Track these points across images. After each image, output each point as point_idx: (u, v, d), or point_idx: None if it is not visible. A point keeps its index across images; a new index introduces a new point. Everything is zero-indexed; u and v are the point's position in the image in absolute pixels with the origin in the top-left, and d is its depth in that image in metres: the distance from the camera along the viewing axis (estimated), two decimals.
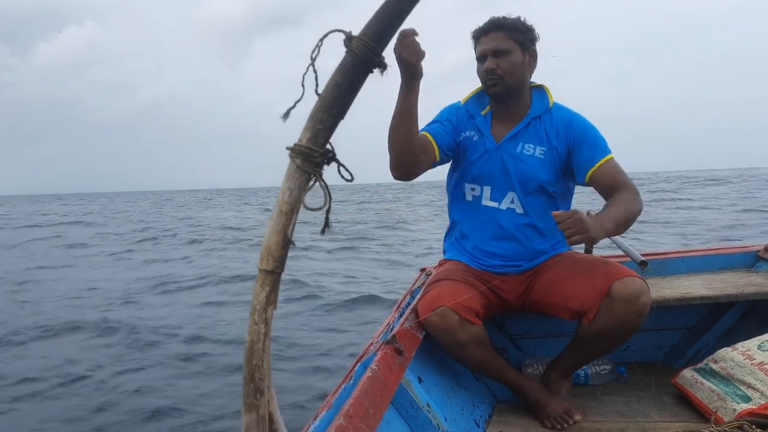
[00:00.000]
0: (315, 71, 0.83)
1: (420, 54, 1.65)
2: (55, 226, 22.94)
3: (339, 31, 0.84)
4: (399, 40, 1.63)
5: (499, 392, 2.14)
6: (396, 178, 1.94)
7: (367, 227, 16.96)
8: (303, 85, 0.86)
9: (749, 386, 1.81)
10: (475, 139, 2.04)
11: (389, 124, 1.82)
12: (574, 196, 2.14)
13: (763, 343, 1.92)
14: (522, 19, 1.96)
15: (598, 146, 1.96)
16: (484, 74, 1.95)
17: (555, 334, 2.38)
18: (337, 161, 0.90)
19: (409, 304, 2.03)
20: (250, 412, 0.86)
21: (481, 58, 1.97)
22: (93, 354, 4.97)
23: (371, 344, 1.72)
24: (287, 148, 0.85)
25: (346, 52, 0.83)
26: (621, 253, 2.40)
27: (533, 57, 1.99)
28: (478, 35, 1.97)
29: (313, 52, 0.83)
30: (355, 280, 8.02)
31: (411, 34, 1.61)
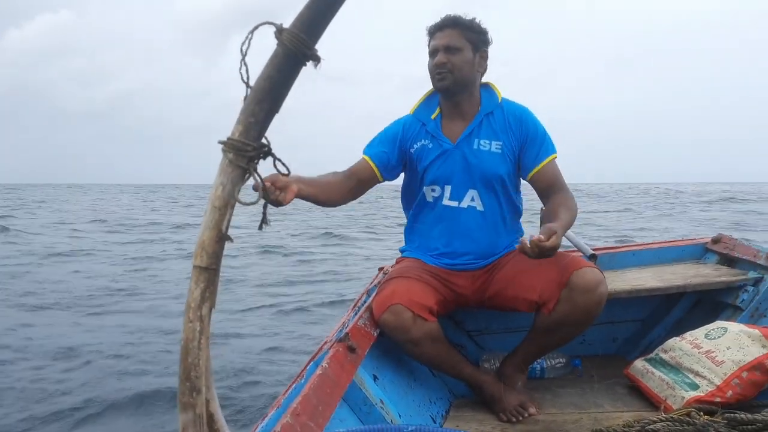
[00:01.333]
0: (245, 64, 0.82)
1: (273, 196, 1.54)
2: None
3: (269, 23, 0.83)
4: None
5: (455, 388, 2.15)
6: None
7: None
8: (243, 77, 0.85)
9: (697, 374, 1.86)
10: (429, 146, 2.06)
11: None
12: None
13: (710, 332, 1.97)
14: (477, 21, 2.00)
15: (545, 144, 2.02)
16: (434, 68, 1.98)
17: (513, 329, 2.40)
18: (273, 155, 0.89)
19: (365, 302, 2.03)
20: (186, 412, 0.84)
21: (432, 53, 2.00)
22: None
23: (325, 343, 1.71)
24: (219, 142, 0.84)
25: (277, 44, 0.82)
26: (572, 246, 2.44)
27: (484, 58, 2.03)
28: (433, 30, 2.00)
29: (243, 44, 0.82)
30: None
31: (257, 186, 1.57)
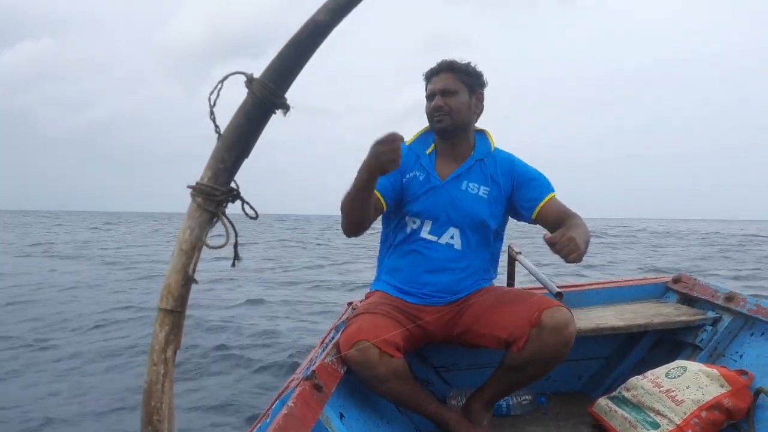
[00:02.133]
0: (213, 113, 0.84)
1: (398, 163, 1.71)
2: None
3: (240, 73, 0.85)
4: (383, 142, 1.68)
5: (422, 425, 2.15)
6: (348, 236, 2.02)
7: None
8: (213, 122, 0.86)
9: (658, 413, 1.89)
10: (420, 178, 2.11)
11: (345, 199, 1.89)
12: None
13: (670, 371, 2.01)
14: (473, 64, 2.08)
15: (543, 185, 2.08)
16: (432, 111, 2.06)
17: (480, 365, 2.42)
18: (242, 199, 0.90)
19: (333, 338, 2.03)
20: None
21: (430, 97, 2.08)
22: None
23: (292, 380, 1.70)
24: (188, 187, 0.85)
25: (248, 93, 0.85)
26: (538, 284, 2.47)
27: (480, 100, 2.11)
28: (430, 75, 2.09)
29: (211, 94, 0.84)
30: None
31: (399, 139, 1.69)
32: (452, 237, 2.07)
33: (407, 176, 2.11)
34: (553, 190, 2.08)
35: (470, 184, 2.08)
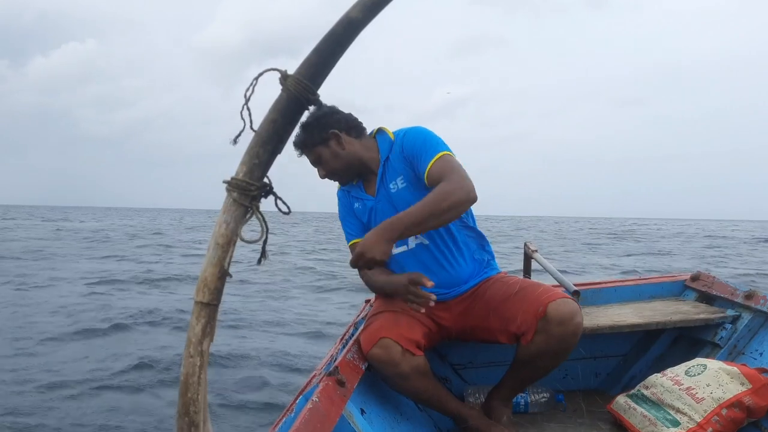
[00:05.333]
0: (248, 109, 0.85)
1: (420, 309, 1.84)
2: None
3: (274, 69, 0.86)
4: (418, 296, 1.80)
5: (441, 422, 2.16)
6: None
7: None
8: (243, 119, 0.88)
9: (678, 411, 1.89)
10: (360, 207, 2.15)
11: (368, 285, 2.08)
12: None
13: (690, 368, 2.01)
14: (312, 116, 2.08)
15: (430, 146, 1.96)
16: (326, 179, 2.16)
17: (497, 362, 2.42)
18: (275, 194, 0.92)
19: (353, 335, 2.04)
20: None
21: (314, 167, 2.16)
22: None
23: (314, 376, 1.72)
24: (224, 182, 0.87)
25: (282, 89, 0.86)
26: (555, 282, 2.47)
27: (337, 137, 2.06)
28: (300, 155, 2.16)
29: (247, 90, 0.85)
30: None
31: (430, 301, 1.80)
32: (416, 237, 2.05)
33: (356, 212, 2.18)
34: (440, 150, 1.94)
35: (391, 184, 2.06)
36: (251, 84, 0.86)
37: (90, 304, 7.83)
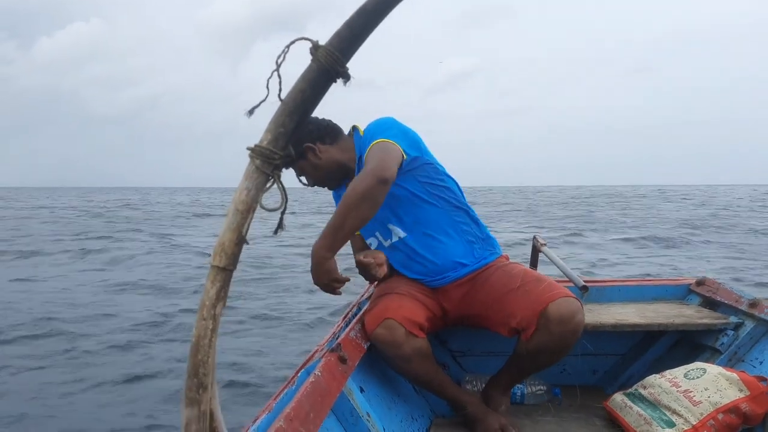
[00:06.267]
0: (279, 76, 0.85)
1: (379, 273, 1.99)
2: None
3: (306, 39, 0.86)
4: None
5: (437, 406, 2.17)
6: None
7: None
8: (268, 88, 0.88)
9: (674, 412, 1.90)
10: None
11: None
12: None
13: (689, 371, 2.01)
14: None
15: (373, 137, 1.95)
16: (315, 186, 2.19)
17: (496, 352, 2.43)
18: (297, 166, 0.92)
19: (356, 314, 2.05)
20: (191, 407, 0.86)
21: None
22: None
23: (316, 351, 1.73)
24: (248, 149, 0.87)
25: (312, 60, 0.86)
26: (563, 277, 2.48)
27: (311, 150, 2.07)
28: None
29: (278, 57, 0.85)
30: None
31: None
32: (393, 231, 2.07)
33: None
34: (378, 138, 1.92)
35: None
36: (283, 51, 0.85)
37: None
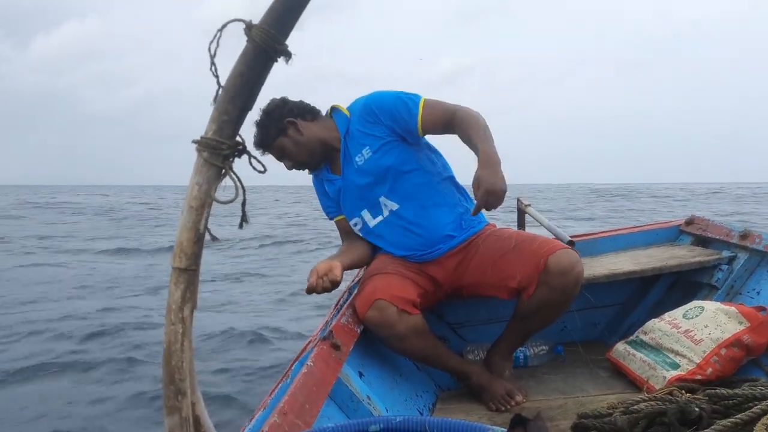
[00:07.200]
0: (214, 64, 0.81)
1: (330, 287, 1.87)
2: None
3: (239, 20, 0.82)
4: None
5: (441, 380, 2.16)
6: None
7: None
8: (214, 74, 0.84)
9: (677, 353, 1.89)
10: (331, 189, 2.16)
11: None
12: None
13: (687, 311, 2.01)
14: (263, 112, 2.09)
15: (405, 101, 1.98)
16: (294, 169, 2.15)
17: (495, 319, 2.42)
18: (248, 153, 0.88)
19: (347, 300, 2.03)
20: (171, 415, 0.83)
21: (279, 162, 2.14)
22: None
23: (309, 342, 1.71)
24: (193, 141, 0.83)
25: (247, 41, 0.82)
26: (550, 235, 2.46)
27: (293, 124, 2.06)
28: (263, 154, 2.14)
29: (210, 44, 0.81)
30: None
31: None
32: (385, 205, 2.05)
33: (330, 195, 2.18)
34: (420, 98, 1.98)
35: (357, 157, 2.03)
36: (215, 36, 0.81)
37: None
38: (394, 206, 2.03)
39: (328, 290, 1.86)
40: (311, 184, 2.27)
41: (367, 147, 2.01)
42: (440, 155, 2.15)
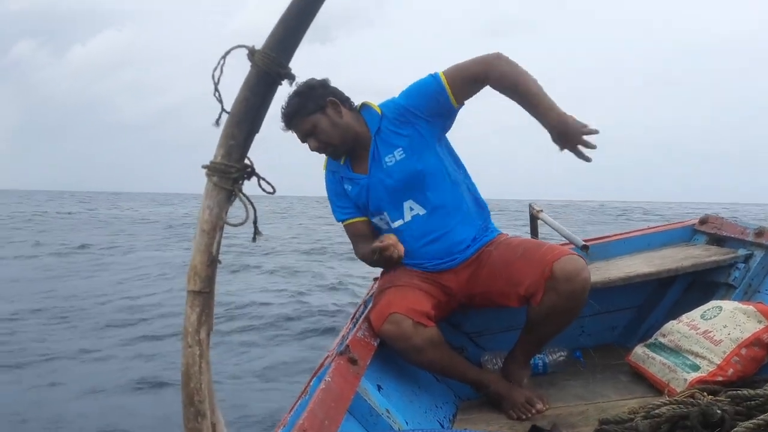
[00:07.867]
0: (218, 91, 0.83)
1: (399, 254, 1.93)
2: None
3: (241, 46, 0.84)
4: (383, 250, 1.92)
5: (460, 391, 2.16)
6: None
7: None
8: (217, 98, 0.85)
9: (697, 355, 1.87)
10: (350, 188, 2.12)
11: (367, 262, 2.13)
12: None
13: (705, 312, 1.99)
14: (305, 85, 2.02)
15: (427, 80, 1.98)
16: (317, 152, 2.08)
17: (513, 327, 2.41)
18: (257, 175, 0.90)
19: (363, 313, 2.03)
20: None
21: (303, 142, 2.06)
22: None
23: (327, 357, 1.71)
24: (203, 167, 0.85)
25: (251, 66, 0.84)
26: (564, 240, 2.45)
27: (335, 104, 2.02)
28: (286, 129, 2.08)
29: (214, 70, 0.83)
30: None
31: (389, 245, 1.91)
32: (411, 209, 2.04)
33: (349, 194, 2.14)
34: (437, 74, 1.96)
35: (386, 158, 2.02)
36: (218, 63, 0.83)
37: None
38: (421, 211, 2.04)
39: (391, 262, 1.93)
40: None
41: (400, 149, 2.01)
42: (463, 166, 2.16)
